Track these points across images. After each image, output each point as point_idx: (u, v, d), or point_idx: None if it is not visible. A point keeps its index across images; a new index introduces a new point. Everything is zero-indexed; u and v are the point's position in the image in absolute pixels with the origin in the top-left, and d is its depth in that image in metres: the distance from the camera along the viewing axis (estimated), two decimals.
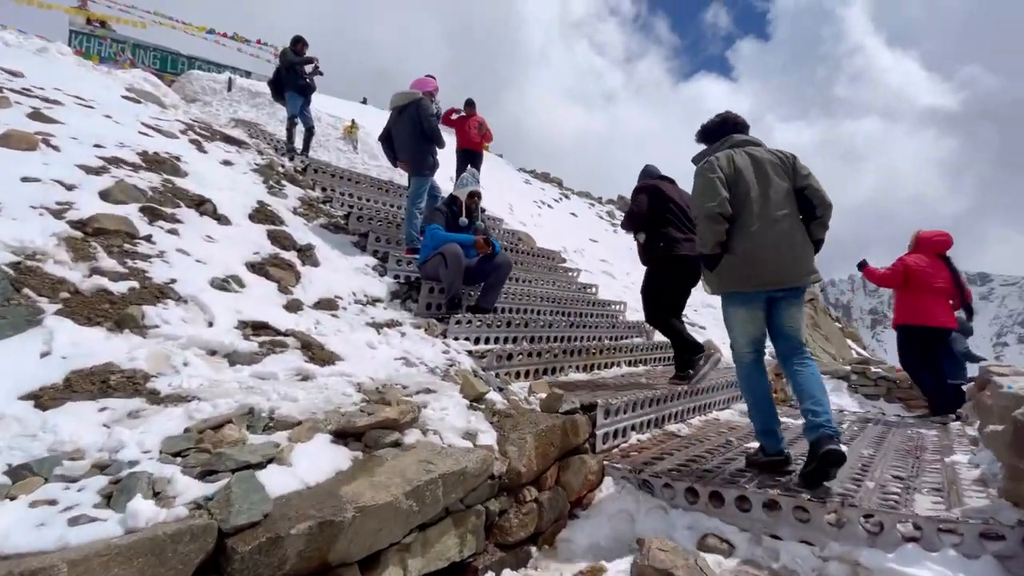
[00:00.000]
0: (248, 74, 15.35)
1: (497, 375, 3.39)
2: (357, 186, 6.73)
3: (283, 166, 6.22)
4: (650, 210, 3.77)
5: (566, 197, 17.26)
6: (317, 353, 2.80)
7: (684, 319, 5.86)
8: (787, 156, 2.53)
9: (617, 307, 6.51)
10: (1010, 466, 2.19)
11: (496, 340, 4.04)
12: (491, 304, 4.24)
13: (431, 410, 2.39)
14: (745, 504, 2.37)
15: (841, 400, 8.09)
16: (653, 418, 3.47)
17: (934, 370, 4.48)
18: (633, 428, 3.25)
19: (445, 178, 8.01)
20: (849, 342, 13.53)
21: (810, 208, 2.49)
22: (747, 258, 2.40)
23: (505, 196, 13.92)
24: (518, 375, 3.63)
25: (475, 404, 2.64)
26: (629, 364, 5.10)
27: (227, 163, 5.29)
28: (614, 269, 10.14)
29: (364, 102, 18.86)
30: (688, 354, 3.83)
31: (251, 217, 4.19)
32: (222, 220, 3.87)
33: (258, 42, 19.06)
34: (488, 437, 2.36)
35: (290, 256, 3.87)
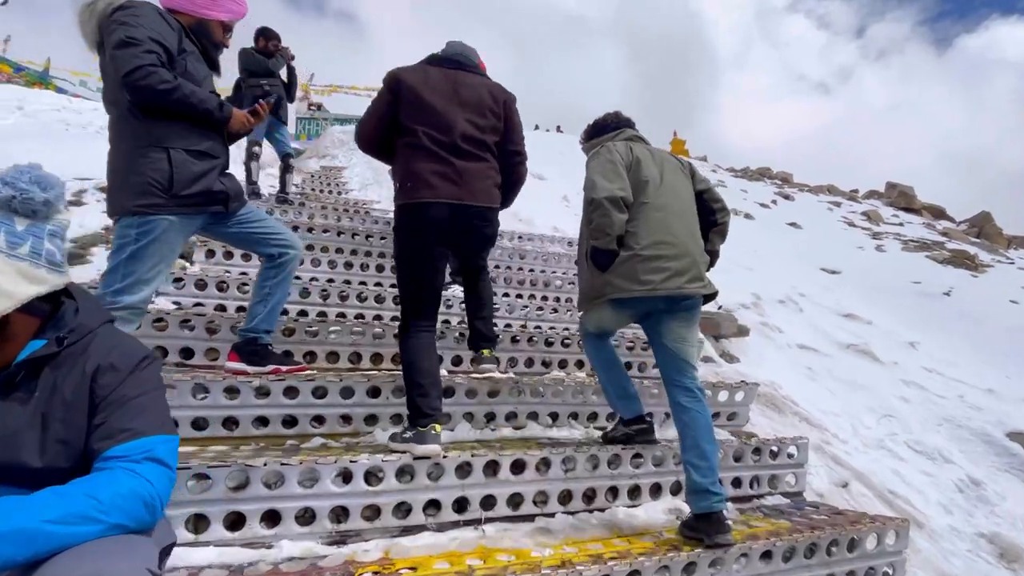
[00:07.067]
0: None
1: None
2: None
3: None
4: (385, 125, 2.03)
5: (785, 198, 11.84)
6: None
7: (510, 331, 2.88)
8: (684, 161, 2.29)
9: None
10: None
11: None
12: None
13: None
14: None
15: None
16: None
17: None
18: None
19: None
20: None
21: (710, 213, 2.21)
22: (646, 255, 1.94)
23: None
24: None
25: None
26: None
27: None
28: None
29: (559, 130, 18.02)
30: (413, 410, 1.87)
31: None
32: None
33: None
34: None
35: None
